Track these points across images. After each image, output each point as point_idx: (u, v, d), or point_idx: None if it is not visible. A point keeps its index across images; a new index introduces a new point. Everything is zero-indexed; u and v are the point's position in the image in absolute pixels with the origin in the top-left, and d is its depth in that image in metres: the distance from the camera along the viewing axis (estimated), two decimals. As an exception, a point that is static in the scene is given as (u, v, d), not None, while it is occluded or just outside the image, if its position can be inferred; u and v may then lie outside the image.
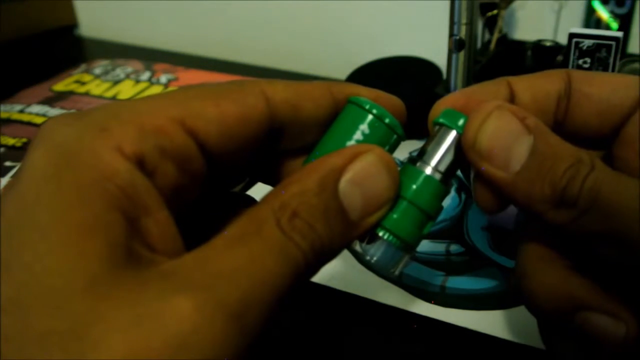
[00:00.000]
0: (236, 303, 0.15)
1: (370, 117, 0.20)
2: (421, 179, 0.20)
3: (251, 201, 0.23)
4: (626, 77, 0.22)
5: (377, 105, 0.20)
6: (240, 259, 0.16)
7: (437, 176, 0.21)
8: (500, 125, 0.20)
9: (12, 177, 0.17)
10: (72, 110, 0.60)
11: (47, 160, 0.16)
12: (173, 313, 0.14)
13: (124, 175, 0.16)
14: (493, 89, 0.23)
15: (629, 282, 0.21)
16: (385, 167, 0.19)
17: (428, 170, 0.21)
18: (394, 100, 0.22)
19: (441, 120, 0.21)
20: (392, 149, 0.21)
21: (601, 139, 0.23)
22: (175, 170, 0.18)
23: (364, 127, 0.20)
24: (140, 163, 0.17)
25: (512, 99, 0.23)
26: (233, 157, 0.19)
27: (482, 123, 0.20)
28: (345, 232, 0.18)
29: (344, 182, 0.18)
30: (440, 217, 0.43)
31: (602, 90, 0.22)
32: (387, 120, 0.20)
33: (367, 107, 0.20)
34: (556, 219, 0.19)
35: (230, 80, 0.20)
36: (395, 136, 0.21)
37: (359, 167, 0.18)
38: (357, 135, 0.20)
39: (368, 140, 0.20)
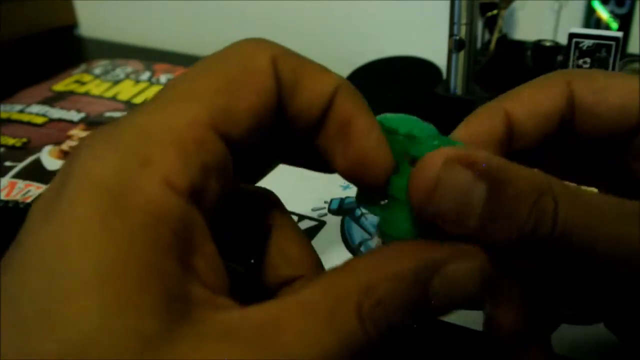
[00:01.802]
0: None
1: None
2: None
3: (268, 194, 0.23)
4: (633, 85, 0.21)
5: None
6: (304, 341, 0.15)
7: None
8: (449, 184, 0.17)
9: (37, 204, 0.15)
10: (76, 113, 0.60)
11: (90, 203, 0.14)
12: None
13: (176, 214, 0.15)
14: (489, 125, 0.21)
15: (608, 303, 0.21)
16: (481, 277, 0.18)
17: None
18: None
19: (414, 151, 0.20)
20: None
21: (610, 148, 0.22)
22: (216, 184, 0.16)
23: None
24: (191, 193, 0.15)
25: (510, 128, 0.21)
26: (254, 145, 0.18)
27: (428, 189, 0.18)
28: (422, 320, 0.17)
29: (438, 280, 0.17)
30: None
31: (611, 106, 0.21)
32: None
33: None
34: (531, 259, 0.19)
35: (240, 47, 0.18)
36: None
37: (456, 271, 0.17)
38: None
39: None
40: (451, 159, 0.17)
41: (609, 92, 0.21)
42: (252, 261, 0.22)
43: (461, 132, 0.21)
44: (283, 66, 0.18)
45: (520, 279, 0.20)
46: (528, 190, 0.17)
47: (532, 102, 0.21)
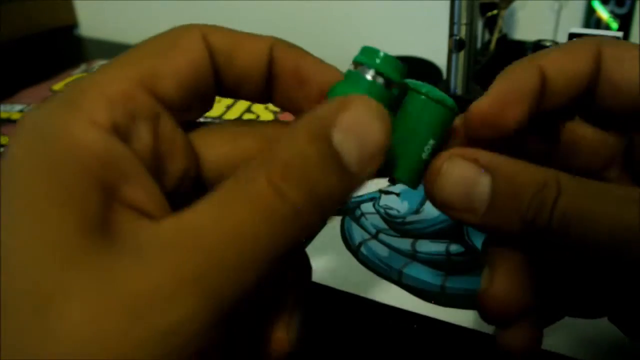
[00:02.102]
0: (194, 267, 0.15)
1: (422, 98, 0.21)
2: (366, 85, 0.20)
3: None
4: None
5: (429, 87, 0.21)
6: (211, 217, 0.15)
7: (380, 80, 0.20)
8: (454, 176, 0.19)
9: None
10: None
11: (22, 140, 0.16)
12: (130, 283, 0.14)
13: (99, 144, 0.16)
14: (523, 82, 0.21)
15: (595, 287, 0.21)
16: (377, 115, 0.18)
17: (370, 74, 0.20)
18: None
19: (358, 58, 0.20)
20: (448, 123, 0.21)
21: (628, 124, 0.22)
22: (149, 132, 0.18)
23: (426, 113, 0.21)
24: (115, 131, 0.17)
25: (543, 86, 0.21)
26: (192, 109, 0.20)
27: (435, 180, 0.20)
28: (346, 183, 0.17)
29: (337, 132, 0.17)
30: (441, 217, 0.43)
31: (634, 79, 0.20)
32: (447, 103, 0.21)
33: (424, 91, 0.21)
34: (533, 244, 0.19)
35: (171, 30, 0.20)
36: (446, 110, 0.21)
37: (350, 116, 0.17)
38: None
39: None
40: (455, 154, 0.20)
41: (634, 64, 0.20)
42: None
43: (499, 86, 0.21)
44: (215, 37, 0.20)
45: (525, 256, 0.21)
46: (530, 182, 0.19)
47: (563, 61, 0.21)
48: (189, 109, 0.20)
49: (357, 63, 0.20)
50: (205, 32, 0.20)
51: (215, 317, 0.15)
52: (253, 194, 0.16)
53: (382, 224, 0.43)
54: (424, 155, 0.21)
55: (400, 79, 0.21)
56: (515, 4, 0.61)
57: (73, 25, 0.91)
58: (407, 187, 0.21)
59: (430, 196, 0.20)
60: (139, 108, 0.18)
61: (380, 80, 0.20)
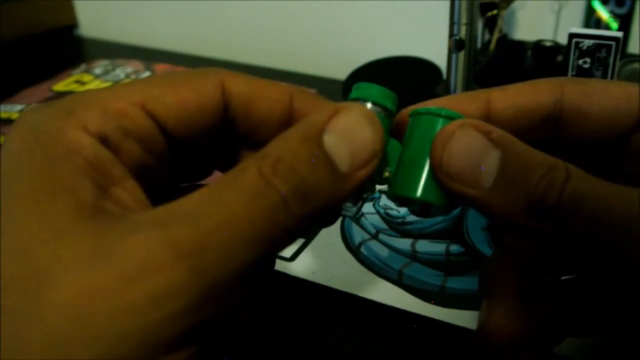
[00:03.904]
0: (188, 242, 0.15)
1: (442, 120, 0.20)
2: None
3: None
4: (627, 89, 0.21)
5: (446, 109, 0.20)
6: (205, 202, 0.16)
7: (378, 110, 0.21)
8: (464, 144, 0.19)
9: None
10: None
11: (19, 140, 0.17)
12: (123, 251, 0.15)
13: (89, 149, 0.17)
14: (466, 106, 0.21)
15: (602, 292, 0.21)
16: (368, 121, 0.19)
17: (369, 106, 0.21)
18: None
19: (354, 95, 0.21)
20: None
21: (599, 153, 0.22)
22: (139, 149, 0.19)
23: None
24: (104, 141, 0.18)
25: (488, 116, 0.21)
26: (193, 140, 0.21)
27: (445, 145, 0.19)
28: (336, 183, 0.18)
29: (328, 136, 0.18)
30: (440, 217, 0.43)
31: (603, 109, 0.21)
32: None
33: (443, 113, 0.20)
34: (536, 229, 0.19)
35: (194, 69, 0.21)
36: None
37: (341, 121, 0.18)
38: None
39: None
40: (467, 124, 0.19)
41: (602, 95, 0.21)
42: None
43: (433, 104, 0.22)
44: (233, 84, 0.21)
45: (522, 271, 0.21)
46: (541, 162, 0.19)
47: (516, 94, 0.22)
48: (188, 140, 0.21)
49: (353, 99, 0.21)
50: (224, 78, 0.21)
51: (205, 293, 0.15)
52: (244, 182, 0.16)
53: (382, 224, 0.43)
54: None
55: (395, 108, 0.21)
56: (515, 4, 0.61)
57: (73, 25, 0.91)
58: (438, 209, 0.20)
59: (436, 164, 0.19)
60: (133, 126, 0.19)
61: (378, 110, 0.21)
